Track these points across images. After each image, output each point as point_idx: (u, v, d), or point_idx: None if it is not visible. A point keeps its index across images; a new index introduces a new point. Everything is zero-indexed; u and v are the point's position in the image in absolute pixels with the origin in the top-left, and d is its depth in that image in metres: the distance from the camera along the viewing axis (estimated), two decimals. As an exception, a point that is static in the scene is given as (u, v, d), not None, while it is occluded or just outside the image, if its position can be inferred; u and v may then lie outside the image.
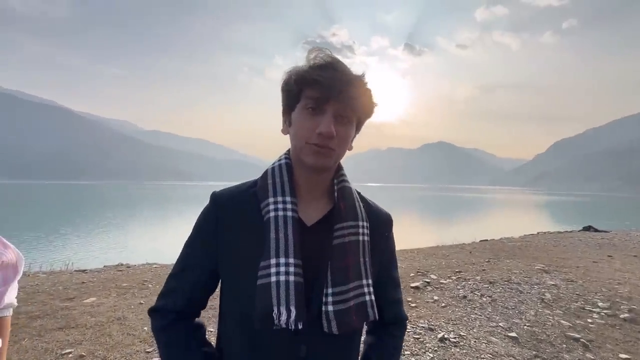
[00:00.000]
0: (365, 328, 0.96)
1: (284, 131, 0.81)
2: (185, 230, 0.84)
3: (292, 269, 0.71)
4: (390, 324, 0.92)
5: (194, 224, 0.84)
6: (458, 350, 2.97)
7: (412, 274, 5.20)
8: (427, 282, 4.73)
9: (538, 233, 11.95)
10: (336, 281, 0.74)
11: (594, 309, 3.96)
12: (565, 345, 3.13)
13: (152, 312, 0.82)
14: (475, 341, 3.13)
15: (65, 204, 51.80)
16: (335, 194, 0.82)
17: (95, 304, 3.87)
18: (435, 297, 4.20)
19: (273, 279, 0.71)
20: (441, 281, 4.84)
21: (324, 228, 0.79)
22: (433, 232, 22.18)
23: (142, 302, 3.98)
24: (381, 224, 0.88)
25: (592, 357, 2.97)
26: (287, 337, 0.74)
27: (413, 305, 3.95)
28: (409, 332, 3.22)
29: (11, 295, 0.79)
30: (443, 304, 4.00)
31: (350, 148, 0.81)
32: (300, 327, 0.71)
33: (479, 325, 3.46)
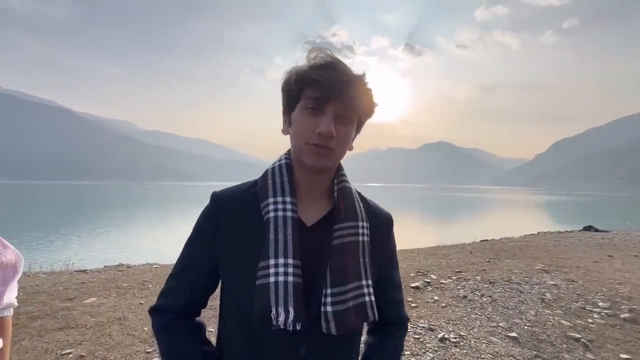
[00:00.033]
0: (366, 328, 0.96)
1: (284, 131, 0.80)
2: (186, 230, 0.84)
3: (291, 270, 0.71)
4: (390, 324, 0.92)
5: (194, 224, 0.84)
6: (458, 350, 2.96)
7: (412, 274, 5.20)
8: (428, 282, 4.73)
9: (538, 233, 11.95)
10: (335, 282, 0.74)
11: (594, 309, 3.95)
12: (565, 345, 3.12)
13: (153, 311, 0.82)
14: (475, 341, 3.13)
15: (66, 205, 51.83)
16: (335, 194, 0.82)
17: (95, 304, 3.87)
18: (436, 297, 4.20)
19: (272, 279, 0.70)
20: (441, 281, 4.84)
21: (323, 228, 0.79)
22: (433, 232, 22.18)
23: (142, 302, 3.98)
24: (381, 224, 0.88)
25: (593, 357, 2.97)
26: (287, 338, 0.74)
27: (413, 305, 3.95)
28: (409, 332, 3.22)
29: (11, 296, 0.79)
30: (443, 304, 4.00)
31: (351, 148, 0.81)
32: (298, 327, 0.71)
33: (479, 325, 3.46)
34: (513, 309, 3.91)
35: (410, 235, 18.05)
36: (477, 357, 2.87)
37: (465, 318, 3.62)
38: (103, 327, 3.24)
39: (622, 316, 3.77)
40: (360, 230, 0.79)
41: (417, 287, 4.54)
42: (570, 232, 11.92)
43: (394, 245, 0.93)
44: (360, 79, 0.73)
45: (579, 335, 3.28)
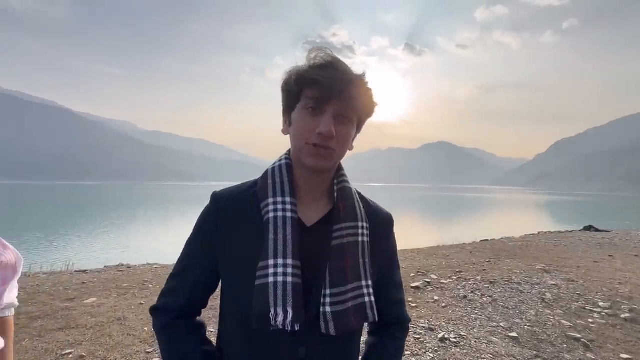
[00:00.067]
0: (367, 329, 0.96)
1: (284, 131, 0.80)
2: (186, 230, 0.84)
3: (290, 270, 0.71)
4: (391, 324, 0.91)
5: (194, 224, 0.84)
6: (458, 350, 2.96)
7: (412, 274, 5.19)
8: (428, 282, 4.73)
9: (539, 233, 11.94)
10: (334, 282, 0.74)
11: (594, 309, 3.95)
12: (566, 345, 3.12)
13: (154, 310, 0.82)
14: (475, 341, 3.12)
15: (66, 205, 51.86)
16: (335, 194, 0.81)
17: (95, 305, 3.87)
18: (436, 297, 4.20)
19: (271, 279, 0.70)
20: (442, 281, 4.84)
21: (323, 229, 0.78)
22: (433, 232, 22.18)
23: (142, 302, 3.98)
24: (381, 224, 0.88)
25: (593, 357, 2.97)
26: (286, 338, 0.74)
27: (413, 305, 3.95)
28: (409, 332, 3.22)
29: (11, 295, 0.79)
30: (443, 304, 4.00)
31: (351, 148, 0.81)
32: (297, 328, 0.71)
33: (479, 325, 3.46)
34: (513, 309, 3.91)
35: (410, 235, 18.05)
36: (478, 357, 2.87)
37: (466, 318, 3.62)
38: (103, 328, 3.24)
39: (622, 316, 3.76)
40: (360, 231, 0.79)
41: (417, 287, 4.54)
42: (571, 232, 11.91)
43: (394, 245, 0.92)
44: (360, 78, 0.73)
45: (579, 335, 3.28)
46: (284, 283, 0.70)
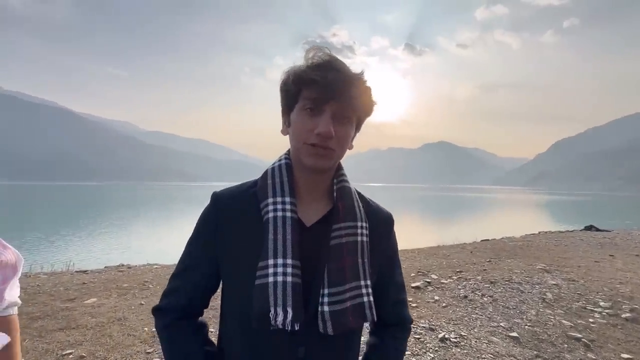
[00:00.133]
0: (368, 330, 0.95)
1: (284, 132, 0.80)
2: (186, 230, 0.84)
3: (289, 270, 0.71)
4: (392, 325, 0.91)
5: (195, 224, 0.84)
6: (459, 350, 2.96)
7: (412, 274, 5.19)
8: (428, 282, 4.73)
9: (539, 233, 11.94)
10: (332, 282, 0.74)
11: (595, 309, 3.95)
12: (566, 345, 3.12)
13: (156, 311, 0.82)
14: (476, 341, 3.12)
15: (67, 206, 51.90)
16: (335, 194, 0.81)
17: (96, 305, 3.87)
18: (436, 297, 4.20)
19: (270, 279, 0.70)
20: (442, 281, 4.84)
21: (323, 228, 0.78)
22: (434, 232, 22.16)
23: (142, 302, 3.98)
24: (381, 223, 0.87)
25: (594, 357, 2.96)
26: (285, 338, 0.74)
27: (414, 305, 3.95)
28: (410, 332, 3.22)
29: (13, 294, 0.79)
30: (444, 304, 3.99)
31: (351, 147, 0.81)
32: (297, 328, 0.71)
33: (479, 325, 3.45)
34: (514, 308, 3.90)
35: (410, 235, 18.05)
36: (478, 357, 2.86)
37: (466, 318, 3.62)
38: (103, 328, 3.24)
39: (623, 316, 3.76)
40: (359, 230, 0.78)
41: (417, 287, 4.54)
42: (572, 231, 11.91)
43: (395, 245, 0.92)
44: (358, 77, 0.73)
45: (580, 335, 3.27)
46: (284, 283, 0.70)
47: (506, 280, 4.84)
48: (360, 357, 0.89)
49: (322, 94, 0.70)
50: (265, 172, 0.82)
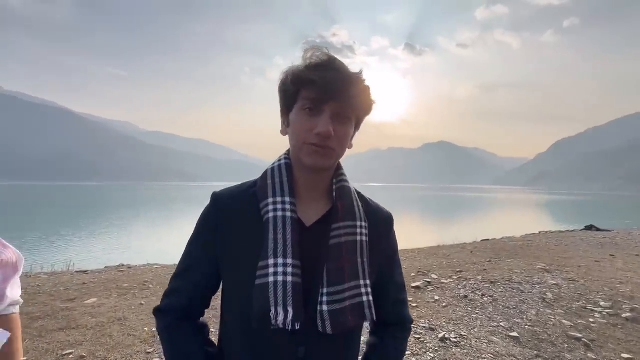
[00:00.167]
0: (368, 329, 0.95)
1: (283, 132, 0.80)
2: (186, 230, 0.85)
3: (290, 270, 0.71)
4: (392, 325, 0.91)
5: (195, 224, 0.84)
6: (459, 350, 2.96)
7: (413, 274, 5.19)
8: (428, 282, 4.73)
9: (540, 232, 11.93)
10: (331, 281, 0.74)
11: (595, 309, 3.94)
12: (566, 345, 3.12)
13: (157, 312, 0.82)
14: (476, 341, 3.12)
15: (67, 206, 51.91)
16: (334, 193, 0.81)
17: (96, 305, 3.87)
18: (436, 297, 4.20)
19: (271, 279, 0.70)
20: (442, 281, 4.84)
21: (322, 228, 0.78)
22: (434, 232, 22.16)
23: (142, 302, 3.98)
24: (381, 223, 0.87)
25: (594, 357, 2.96)
26: (286, 338, 0.74)
27: (414, 305, 3.95)
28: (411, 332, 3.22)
29: (15, 293, 0.79)
30: (444, 304, 3.99)
31: (350, 146, 0.81)
32: (297, 327, 0.71)
33: (480, 325, 3.45)
34: (514, 308, 3.90)
35: (410, 235, 18.04)
36: (478, 357, 2.86)
37: (466, 318, 3.62)
38: (104, 328, 3.24)
39: (623, 316, 3.76)
40: (358, 230, 0.78)
41: (417, 287, 4.54)
42: (572, 231, 11.90)
43: (395, 245, 0.92)
44: (357, 77, 0.73)
45: (580, 335, 3.27)
46: (284, 282, 0.70)
47: (506, 280, 4.84)
48: (360, 357, 0.89)
49: (321, 94, 0.70)
50: (265, 172, 0.82)
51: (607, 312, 3.84)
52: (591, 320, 3.67)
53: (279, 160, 0.83)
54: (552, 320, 3.60)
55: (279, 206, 0.75)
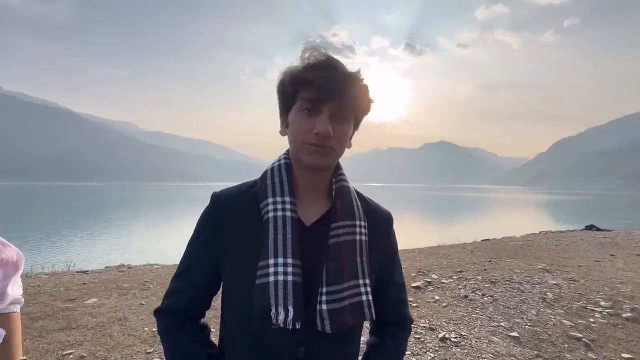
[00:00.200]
0: (368, 329, 0.95)
1: (282, 132, 0.80)
2: (186, 231, 0.85)
3: (290, 269, 0.71)
4: (392, 324, 0.91)
5: (195, 224, 0.84)
6: (459, 350, 2.96)
7: (413, 274, 5.19)
8: (428, 282, 4.73)
9: (540, 232, 11.92)
10: (331, 280, 0.74)
11: (596, 309, 3.94)
12: (567, 345, 3.12)
13: (157, 313, 0.82)
14: (476, 341, 3.12)
15: (68, 206, 51.92)
16: (333, 193, 0.81)
17: (96, 305, 3.87)
18: (436, 297, 4.20)
19: (271, 278, 0.70)
20: (442, 281, 4.84)
21: (322, 228, 0.78)
22: (434, 232, 22.16)
23: (143, 302, 3.98)
24: (380, 222, 0.87)
25: (594, 357, 2.96)
26: (286, 338, 0.74)
27: (414, 305, 3.95)
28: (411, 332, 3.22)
29: (16, 291, 0.79)
30: (444, 304, 3.99)
31: (350, 146, 0.81)
32: (298, 326, 0.71)
33: (480, 325, 3.45)
34: (514, 308, 3.90)
35: (411, 235, 18.04)
36: (478, 356, 2.86)
37: (466, 318, 3.62)
38: (104, 328, 3.24)
39: (624, 315, 3.76)
40: (358, 229, 0.78)
41: (418, 287, 4.54)
42: (572, 231, 11.89)
43: (394, 244, 0.92)
44: (355, 76, 0.73)
45: (580, 335, 3.27)
46: (285, 282, 0.70)
47: (507, 280, 4.84)
48: (360, 357, 0.89)
49: (319, 95, 0.70)
50: (265, 172, 0.82)
51: (607, 312, 3.84)
52: (591, 320, 3.67)
53: (279, 160, 0.83)
54: (552, 320, 3.59)
55: (279, 206, 0.75)
